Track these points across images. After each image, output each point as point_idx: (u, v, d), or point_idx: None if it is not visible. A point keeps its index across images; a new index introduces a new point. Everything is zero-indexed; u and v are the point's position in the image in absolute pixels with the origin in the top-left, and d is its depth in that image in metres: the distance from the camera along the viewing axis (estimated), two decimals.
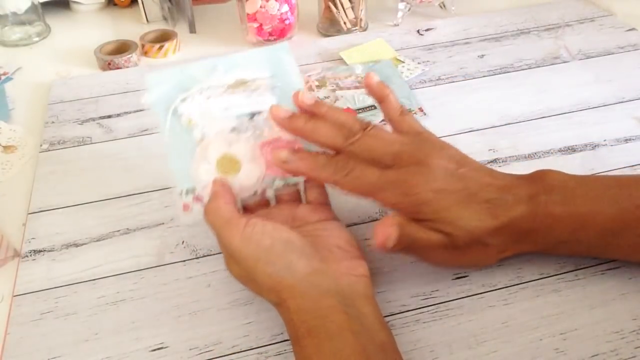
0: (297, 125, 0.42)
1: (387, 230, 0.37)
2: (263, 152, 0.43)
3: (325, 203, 0.44)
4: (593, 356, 0.38)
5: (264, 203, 0.44)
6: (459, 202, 0.38)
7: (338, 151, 0.41)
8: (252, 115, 0.44)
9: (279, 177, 0.43)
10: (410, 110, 0.60)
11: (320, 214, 0.43)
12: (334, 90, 0.63)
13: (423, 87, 0.65)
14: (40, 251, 0.47)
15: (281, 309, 0.37)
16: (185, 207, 0.42)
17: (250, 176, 0.42)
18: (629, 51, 0.70)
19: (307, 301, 0.35)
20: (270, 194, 0.44)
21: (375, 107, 0.60)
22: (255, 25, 0.73)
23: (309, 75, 0.66)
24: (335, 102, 0.62)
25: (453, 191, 0.38)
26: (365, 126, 0.41)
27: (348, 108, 0.60)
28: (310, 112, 0.42)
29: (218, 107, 0.44)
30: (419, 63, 0.69)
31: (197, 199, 0.42)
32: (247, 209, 0.44)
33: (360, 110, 0.60)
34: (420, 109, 0.61)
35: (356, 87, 0.64)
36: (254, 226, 0.38)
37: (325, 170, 0.40)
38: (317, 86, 0.64)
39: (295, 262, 0.37)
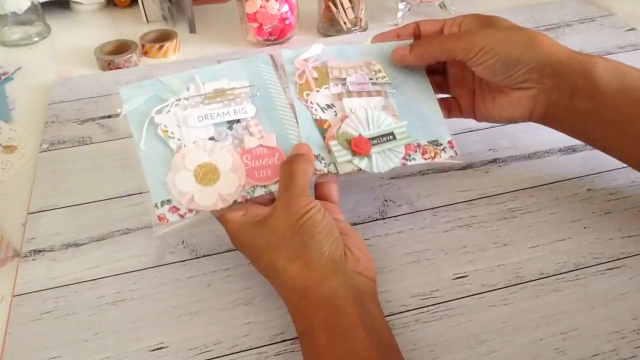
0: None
1: (399, 51, 0.48)
2: (243, 160, 0.43)
3: (336, 202, 0.44)
4: (593, 356, 0.38)
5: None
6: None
7: None
8: (231, 124, 0.45)
9: (259, 184, 0.42)
10: (437, 145, 0.47)
11: (335, 214, 0.43)
12: (339, 97, 0.46)
13: None
14: (40, 251, 0.47)
15: (294, 296, 0.37)
16: (161, 219, 0.41)
17: (229, 185, 0.42)
18: (629, 51, 0.70)
19: (326, 290, 0.36)
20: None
21: (394, 137, 0.45)
22: (255, 25, 0.73)
23: (305, 60, 0.48)
24: (341, 120, 0.45)
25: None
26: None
27: (360, 136, 0.44)
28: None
29: (195, 117, 0.44)
30: None
31: (174, 209, 0.41)
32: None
33: (375, 140, 0.44)
34: (450, 144, 0.47)
35: (369, 93, 0.47)
36: (315, 203, 0.39)
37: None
38: (316, 80, 0.47)
39: (332, 252, 0.38)
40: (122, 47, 0.75)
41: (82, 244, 0.47)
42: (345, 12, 0.76)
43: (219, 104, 0.45)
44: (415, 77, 0.49)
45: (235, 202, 0.42)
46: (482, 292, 0.42)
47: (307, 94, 0.47)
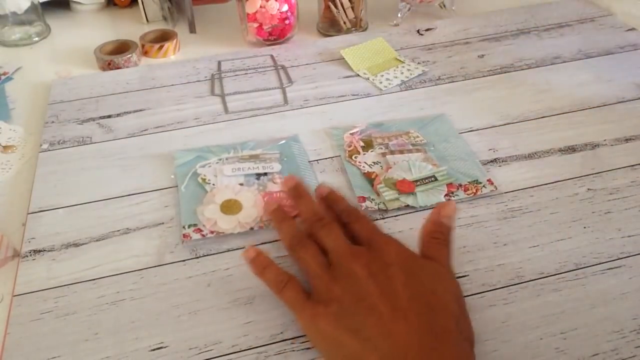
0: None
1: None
2: (264, 200, 0.49)
3: None
4: (593, 355, 0.38)
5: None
6: None
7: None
8: (259, 176, 0.52)
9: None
10: (477, 183, 0.50)
11: None
12: (383, 155, 0.54)
13: (423, 87, 0.65)
14: (40, 251, 0.47)
15: None
16: (186, 237, 0.47)
17: (249, 216, 0.48)
18: (629, 51, 0.70)
19: None
20: None
21: (436, 179, 0.51)
22: (255, 25, 0.73)
23: (352, 133, 0.56)
24: (387, 170, 0.52)
25: None
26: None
27: (404, 179, 0.50)
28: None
29: (230, 168, 0.53)
30: (419, 63, 0.69)
31: (198, 230, 0.47)
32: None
33: (418, 182, 0.50)
34: (490, 181, 0.51)
35: (409, 151, 0.54)
36: None
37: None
38: (363, 147, 0.55)
39: None
40: (122, 47, 0.75)
41: (82, 244, 0.47)
42: (345, 12, 0.76)
43: (252, 162, 0.53)
44: (451, 138, 0.56)
45: (251, 229, 0.47)
46: (482, 292, 0.42)
47: (355, 157, 0.54)
